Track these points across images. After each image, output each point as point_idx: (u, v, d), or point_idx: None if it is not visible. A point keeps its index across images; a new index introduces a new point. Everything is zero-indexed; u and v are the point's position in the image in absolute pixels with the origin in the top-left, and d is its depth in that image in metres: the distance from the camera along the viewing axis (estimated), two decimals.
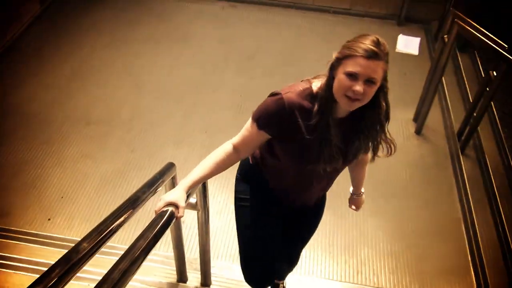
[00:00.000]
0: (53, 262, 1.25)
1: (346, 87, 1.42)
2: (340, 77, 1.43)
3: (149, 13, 5.11)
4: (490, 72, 3.32)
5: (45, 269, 1.22)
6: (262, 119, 1.59)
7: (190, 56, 4.60)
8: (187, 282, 2.47)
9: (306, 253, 2.92)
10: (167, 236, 2.63)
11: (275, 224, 1.99)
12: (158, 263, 2.63)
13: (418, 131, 3.78)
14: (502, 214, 3.31)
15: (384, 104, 1.54)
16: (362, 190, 2.08)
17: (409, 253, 3.00)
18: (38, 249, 2.69)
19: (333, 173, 1.77)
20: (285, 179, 1.80)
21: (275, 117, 1.56)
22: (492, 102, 4.11)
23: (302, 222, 2.10)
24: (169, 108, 3.98)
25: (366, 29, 4.79)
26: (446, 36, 3.30)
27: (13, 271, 2.44)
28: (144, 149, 3.57)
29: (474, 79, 4.35)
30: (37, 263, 2.50)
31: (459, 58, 4.62)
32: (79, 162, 3.45)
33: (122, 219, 1.56)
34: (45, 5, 4.96)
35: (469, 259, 3.03)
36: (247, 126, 1.65)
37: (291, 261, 2.32)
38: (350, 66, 1.40)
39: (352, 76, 1.40)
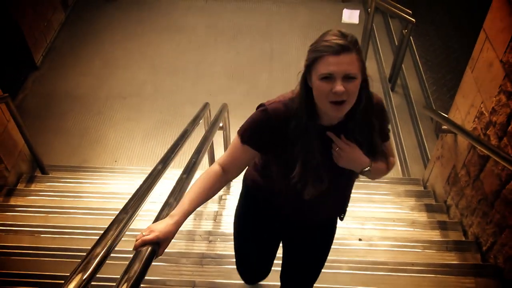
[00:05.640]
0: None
1: (326, 92, 1.32)
2: (316, 84, 1.33)
3: (150, 10, 6.49)
4: (403, 30, 4.84)
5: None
6: (247, 132, 1.51)
7: (187, 41, 6.02)
8: None
9: None
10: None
11: (268, 243, 2.00)
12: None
13: None
14: (421, 127, 4.87)
15: (364, 97, 1.41)
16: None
17: None
18: (116, 176, 4.13)
19: (337, 189, 1.66)
20: (279, 196, 1.67)
21: (259, 129, 1.49)
22: (416, 52, 5.69)
23: (307, 245, 1.93)
24: (180, 81, 5.42)
25: (319, 6, 6.29)
26: (369, 9, 4.80)
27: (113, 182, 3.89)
28: (169, 110, 5.02)
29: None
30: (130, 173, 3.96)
31: (391, 23, 6.15)
32: (125, 124, 4.89)
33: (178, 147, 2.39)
34: (67, 13, 6.28)
35: (396, 156, 4.58)
36: (233, 142, 1.56)
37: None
38: (322, 68, 1.30)
39: (327, 78, 1.30)
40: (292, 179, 1.49)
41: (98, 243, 1.38)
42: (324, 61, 1.30)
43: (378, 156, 1.54)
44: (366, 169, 1.51)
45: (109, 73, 5.52)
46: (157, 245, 1.35)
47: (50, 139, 4.68)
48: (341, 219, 1.87)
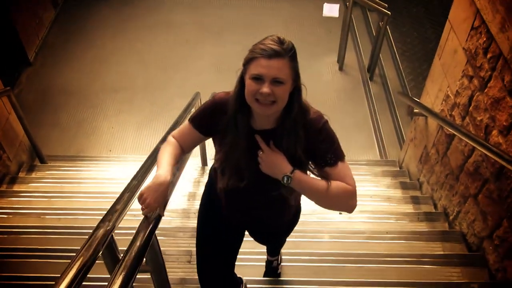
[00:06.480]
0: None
1: (253, 91, 1.40)
2: (247, 82, 1.42)
3: (139, 7, 6.71)
4: (379, 22, 5.14)
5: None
6: (193, 113, 1.68)
7: (176, 36, 6.26)
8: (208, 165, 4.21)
9: None
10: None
11: (226, 236, 1.93)
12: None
13: (341, 68, 5.62)
14: (398, 114, 5.19)
15: (296, 105, 1.48)
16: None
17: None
18: (112, 164, 4.38)
19: (266, 198, 1.66)
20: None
21: (202, 112, 1.64)
22: (393, 43, 6.01)
23: (265, 238, 2.14)
24: (170, 74, 5.67)
25: (301, 2, 6.57)
26: (347, 3, 5.09)
27: (109, 169, 4.13)
28: (160, 102, 5.27)
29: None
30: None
31: (369, 16, 6.46)
32: (118, 116, 5.12)
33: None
34: (57, 10, 6.47)
35: (375, 140, 4.90)
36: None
37: (275, 248, 2.47)
38: (253, 69, 1.40)
39: (257, 79, 1.39)
40: (216, 163, 1.64)
41: (117, 201, 1.67)
42: (256, 62, 1.39)
43: (305, 169, 1.55)
44: (287, 174, 1.48)
45: (101, 68, 5.74)
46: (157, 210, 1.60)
47: (45, 132, 4.89)
48: (279, 236, 2.15)
